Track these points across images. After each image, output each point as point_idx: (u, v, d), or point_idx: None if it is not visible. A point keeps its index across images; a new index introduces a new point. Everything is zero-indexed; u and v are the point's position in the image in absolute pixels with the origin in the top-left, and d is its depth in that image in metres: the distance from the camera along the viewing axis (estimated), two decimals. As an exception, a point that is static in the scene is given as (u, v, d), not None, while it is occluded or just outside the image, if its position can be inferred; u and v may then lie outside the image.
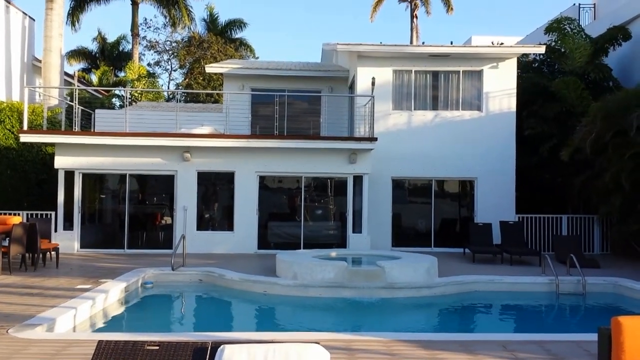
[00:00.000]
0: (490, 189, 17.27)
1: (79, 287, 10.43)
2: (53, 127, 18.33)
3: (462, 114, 17.48)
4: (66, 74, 24.14)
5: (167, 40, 36.79)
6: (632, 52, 18.51)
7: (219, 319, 10.39)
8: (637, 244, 15.62)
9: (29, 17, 23.22)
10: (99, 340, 4.12)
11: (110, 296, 10.09)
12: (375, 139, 15.74)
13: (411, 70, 17.52)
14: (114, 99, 31.78)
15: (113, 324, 9.41)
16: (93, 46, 40.57)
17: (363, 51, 17.27)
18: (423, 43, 21.00)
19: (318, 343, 3.94)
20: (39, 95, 21.24)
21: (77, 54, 39.86)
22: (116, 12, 74.57)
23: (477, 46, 18.82)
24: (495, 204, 17.12)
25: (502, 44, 21.63)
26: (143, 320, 9.96)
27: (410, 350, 6.88)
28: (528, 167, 17.73)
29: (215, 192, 16.85)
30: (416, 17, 33.04)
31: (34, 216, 15.97)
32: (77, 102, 16.91)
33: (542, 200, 18.51)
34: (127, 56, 36.51)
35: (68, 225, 15.72)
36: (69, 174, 15.80)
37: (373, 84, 16.54)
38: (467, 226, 16.72)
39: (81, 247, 15.78)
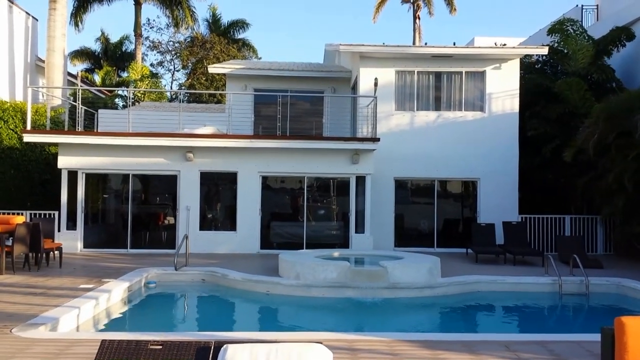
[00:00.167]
0: (493, 190, 17.26)
1: (82, 286, 10.45)
2: (56, 127, 18.38)
3: (464, 114, 17.47)
4: (69, 74, 24.19)
5: (170, 41, 36.91)
6: (635, 54, 18.48)
7: (221, 319, 10.40)
8: (640, 244, 15.60)
9: (32, 17, 23.26)
10: (102, 340, 4.13)
11: (113, 296, 10.11)
12: (378, 140, 15.75)
13: (414, 71, 17.52)
14: (117, 99, 31.85)
15: (116, 323, 9.44)
16: (96, 46, 40.71)
17: (365, 52, 17.27)
18: (426, 44, 21.01)
19: (321, 343, 3.95)
20: (42, 96, 21.28)
21: (80, 54, 39.95)
22: (119, 12, 74.68)
23: (479, 47, 18.81)
24: (498, 204, 17.11)
25: (504, 45, 21.62)
26: (146, 320, 9.97)
27: (412, 351, 6.88)
28: (531, 168, 17.72)
29: (218, 192, 16.87)
30: (419, 18, 33.05)
31: (38, 216, 16.01)
32: (80, 102, 16.95)
33: (544, 200, 18.49)
34: (130, 56, 36.59)
35: (71, 225, 15.76)
36: (72, 174, 15.84)
37: (376, 84, 16.54)
38: (469, 226, 16.72)
39: (84, 247, 15.81)
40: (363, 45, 17.16)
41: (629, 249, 16.24)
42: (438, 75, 17.61)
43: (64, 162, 15.75)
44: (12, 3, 21.76)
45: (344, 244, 16.29)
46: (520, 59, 17.93)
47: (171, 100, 33.01)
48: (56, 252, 13.37)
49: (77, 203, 15.78)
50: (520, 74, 17.91)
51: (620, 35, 17.96)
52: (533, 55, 19.50)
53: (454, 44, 19.80)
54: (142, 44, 33.78)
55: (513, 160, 17.30)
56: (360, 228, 16.23)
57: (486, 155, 17.28)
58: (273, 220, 16.62)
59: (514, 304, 11.64)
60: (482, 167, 17.30)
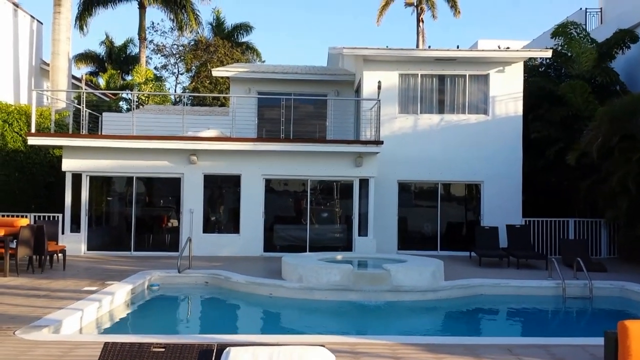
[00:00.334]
0: (497, 193, 17.24)
1: (85, 289, 10.48)
2: (61, 130, 18.45)
3: (468, 117, 17.47)
4: (74, 77, 24.30)
5: (174, 44, 37.03)
6: (639, 57, 18.44)
7: (224, 322, 10.41)
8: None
9: (37, 20, 23.37)
10: (105, 342, 4.15)
11: (116, 298, 10.13)
12: (382, 143, 15.76)
13: (417, 74, 17.53)
14: (121, 102, 31.95)
15: (119, 325, 9.46)
16: (100, 50, 40.84)
17: (369, 55, 17.29)
18: (429, 47, 20.98)
19: (323, 346, 3.96)
20: (47, 99, 21.38)
21: (85, 57, 40.10)
22: (123, 16, 74.94)
23: (483, 50, 18.79)
24: (502, 207, 17.09)
25: (508, 48, 21.59)
26: (149, 322, 9.98)
27: (415, 354, 6.88)
28: (534, 171, 17.69)
29: (222, 195, 16.90)
30: (422, 21, 33.07)
31: (42, 218, 16.05)
32: (84, 106, 17.01)
33: (548, 203, 18.46)
34: (134, 60, 36.70)
35: (75, 227, 15.80)
36: (77, 177, 15.88)
37: (379, 87, 16.55)
38: (473, 229, 16.68)
39: (88, 250, 15.84)
40: (366, 48, 17.18)
41: (633, 252, 16.19)
42: (441, 79, 17.62)
43: (68, 164, 15.80)
44: (17, 7, 21.87)
45: (347, 246, 16.29)
46: (524, 62, 17.92)
47: (175, 103, 33.15)
48: (60, 254, 13.40)
49: (81, 206, 15.83)
50: (524, 77, 17.90)
51: (624, 37, 17.95)
52: (537, 58, 19.49)
53: (458, 47, 19.74)
54: (147, 47, 33.91)
55: (516, 163, 17.28)
56: (363, 231, 16.23)
57: (490, 158, 17.26)
58: (276, 223, 16.63)
59: (517, 307, 11.62)
60: (486, 170, 17.28)
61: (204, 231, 16.12)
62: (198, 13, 32.72)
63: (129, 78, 37.69)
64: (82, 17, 30.43)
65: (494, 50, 18.43)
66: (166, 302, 11.62)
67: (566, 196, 18.08)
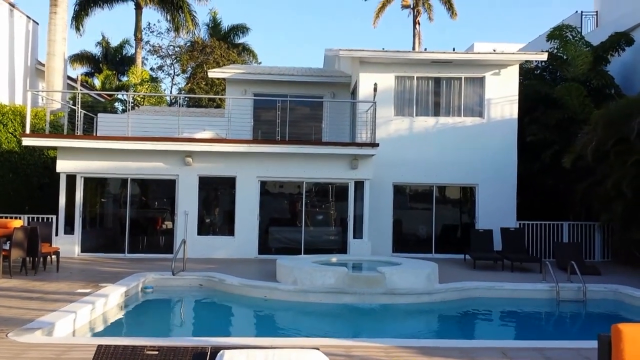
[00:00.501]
0: (492, 195, 17.27)
1: (79, 291, 10.43)
2: (55, 130, 18.38)
3: (463, 120, 17.50)
4: (69, 77, 24.24)
5: (170, 45, 36.95)
6: (634, 60, 18.53)
7: (218, 324, 10.39)
8: (639, 251, 15.58)
9: (33, 20, 23.33)
10: (99, 345, 4.13)
11: (110, 300, 10.09)
12: (377, 145, 15.77)
13: (413, 77, 17.55)
14: (116, 103, 31.91)
15: (113, 328, 9.42)
16: (96, 50, 40.80)
17: (365, 57, 17.31)
18: (425, 49, 21.06)
19: (318, 349, 3.95)
20: (42, 99, 21.31)
21: (81, 57, 40.02)
22: (120, 16, 75.02)
23: (479, 53, 18.85)
24: (497, 210, 17.11)
25: (502, 52, 21.65)
26: (143, 325, 9.95)
27: (410, 357, 6.87)
28: (529, 174, 17.73)
29: (217, 197, 16.87)
30: (418, 24, 33.12)
31: (35, 220, 15.98)
32: (79, 106, 16.95)
33: (543, 206, 18.49)
34: (130, 60, 36.66)
35: (69, 229, 15.72)
36: (71, 178, 15.82)
37: (375, 89, 16.57)
38: (468, 232, 16.70)
39: (82, 251, 15.77)
40: (363, 50, 17.20)
41: (627, 255, 16.22)
42: (437, 81, 17.64)
43: (63, 166, 15.74)
44: (13, 7, 21.82)
45: (342, 249, 16.27)
46: (520, 65, 17.97)
47: (171, 104, 33.09)
48: (53, 256, 13.33)
49: (75, 207, 15.75)
50: (520, 79, 17.95)
51: (620, 40, 18.03)
52: (532, 61, 19.55)
53: (454, 49, 19.81)
54: (143, 48, 33.83)
55: (512, 166, 17.32)
56: (358, 233, 16.23)
57: (485, 161, 17.29)
58: (271, 225, 16.61)
59: (511, 310, 11.63)
60: (481, 173, 17.31)
61: (199, 233, 16.08)
62: (194, 14, 32.72)
63: (124, 79, 37.66)
64: (78, 17, 30.36)
65: (490, 53, 18.50)
66: (160, 304, 11.59)
67: (562, 199, 18.12)
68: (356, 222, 16.29)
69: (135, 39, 32.55)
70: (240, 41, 37.72)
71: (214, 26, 37.59)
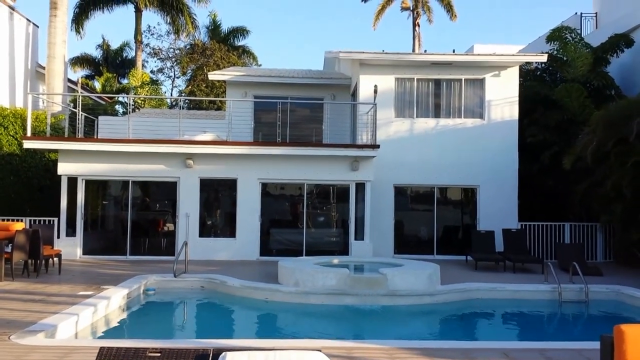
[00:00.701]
0: (493, 197, 17.27)
1: (81, 293, 10.43)
2: (56, 133, 18.41)
3: (464, 121, 17.51)
4: (70, 80, 24.24)
5: (170, 48, 36.99)
6: (634, 61, 18.54)
7: (220, 326, 10.38)
8: (640, 252, 15.59)
9: (33, 23, 23.34)
10: (101, 347, 4.13)
11: (112, 303, 10.09)
12: (378, 147, 15.77)
13: (413, 78, 17.56)
14: (117, 106, 31.89)
15: (115, 330, 9.41)
16: (97, 53, 40.83)
17: (365, 59, 17.32)
18: (425, 51, 21.07)
19: (319, 350, 3.95)
20: (43, 102, 21.32)
21: (81, 60, 40.05)
22: (120, 19, 75.10)
23: (479, 54, 18.87)
24: (498, 211, 17.11)
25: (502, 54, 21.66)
26: (145, 327, 9.94)
27: (411, 358, 6.87)
28: (530, 175, 17.73)
29: (218, 199, 16.87)
30: (418, 26, 33.17)
31: (37, 222, 15.99)
32: (80, 109, 16.97)
33: (544, 207, 18.49)
34: (131, 63, 36.68)
35: (71, 231, 15.75)
36: (72, 180, 15.84)
37: (375, 91, 16.59)
38: (469, 234, 16.71)
39: (84, 254, 15.79)
40: (363, 52, 17.21)
41: (628, 256, 16.22)
42: (437, 83, 17.65)
43: (64, 168, 15.76)
44: (13, 10, 21.84)
45: (344, 251, 16.28)
46: (520, 66, 17.99)
47: (171, 107, 33.10)
48: (55, 258, 13.34)
49: (77, 209, 15.77)
50: (520, 81, 17.97)
51: (619, 41, 18.06)
52: (532, 62, 19.57)
53: (454, 51, 19.86)
54: (143, 50, 33.89)
55: (512, 167, 17.32)
56: (359, 235, 16.23)
57: (485, 162, 17.30)
58: (272, 227, 16.61)
59: (513, 311, 11.62)
60: (482, 174, 17.32)
61: (200, 235, 16.09)
62: (194, 17, 32.77)
63: (125, 81, 37.66)
64: (79, 20, 30.42)
65: (490, 55, 18.51)
66: (162, 306, 11.59)
67: (562, 200, 18.12)
68: (357, 223, 16.29)
69: (135, 42, 32.57)
70: (241, 43, 37.74)
71: (214, 28, 37.60)
